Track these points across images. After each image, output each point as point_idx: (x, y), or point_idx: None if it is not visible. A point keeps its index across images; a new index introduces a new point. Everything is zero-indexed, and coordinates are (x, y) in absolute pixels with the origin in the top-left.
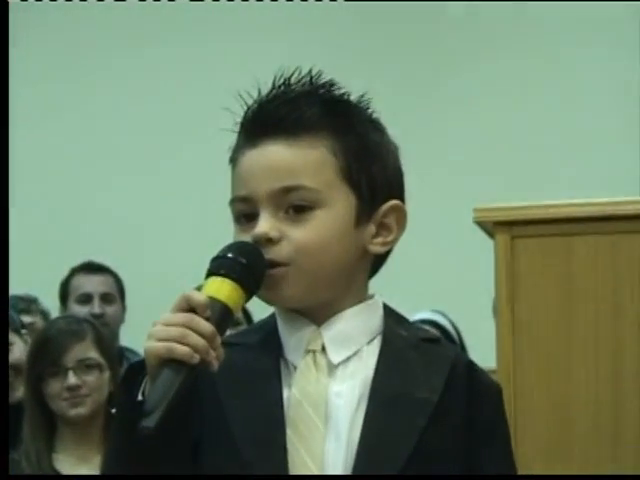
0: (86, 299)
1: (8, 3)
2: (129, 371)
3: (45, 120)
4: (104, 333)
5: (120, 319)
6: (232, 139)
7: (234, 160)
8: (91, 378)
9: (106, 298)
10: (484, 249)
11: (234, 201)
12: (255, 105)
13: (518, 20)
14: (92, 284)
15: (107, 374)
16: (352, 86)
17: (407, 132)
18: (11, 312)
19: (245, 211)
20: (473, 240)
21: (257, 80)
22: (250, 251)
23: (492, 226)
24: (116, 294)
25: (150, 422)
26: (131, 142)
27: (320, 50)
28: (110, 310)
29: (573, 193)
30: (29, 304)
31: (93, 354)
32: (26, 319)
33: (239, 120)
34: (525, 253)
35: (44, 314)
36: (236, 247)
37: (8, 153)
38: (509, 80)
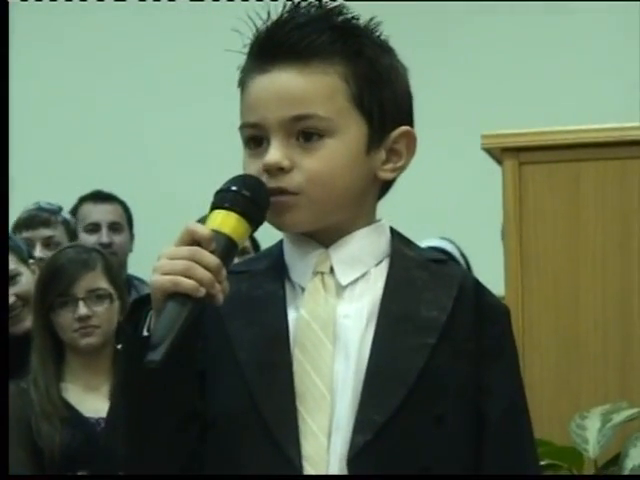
0: (94, 228)
1: (8, 3)
2: (134, 305)
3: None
4: (113, 263)
5: (128, 248)
6: (240, 60)
7: (243, 84)
8: (101, 308)
9: (114, 227)
10: (492, 175)
11: (244, 127)
12: (265, 29)
13: None
14: (100, 213)
15: (117, 304)
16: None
17: (414, 58)
18: (18, 241)
19: (255, 136)
20: (481, 166)
21: (267, 2)
22: (254, 184)
23: (500, 152)
24: (124, 223)
25: (156, 356)
26: (139, 73)
27: None
28: (118, 239)
29: (581, 119)
30: (49, 215)
31: (103, 284)
32: (44, 232)
33: (248, 42)
34: (533, 179)
35: (67, 224)
36: (240, 180)
37: (8, 149)
38: (519, 5)
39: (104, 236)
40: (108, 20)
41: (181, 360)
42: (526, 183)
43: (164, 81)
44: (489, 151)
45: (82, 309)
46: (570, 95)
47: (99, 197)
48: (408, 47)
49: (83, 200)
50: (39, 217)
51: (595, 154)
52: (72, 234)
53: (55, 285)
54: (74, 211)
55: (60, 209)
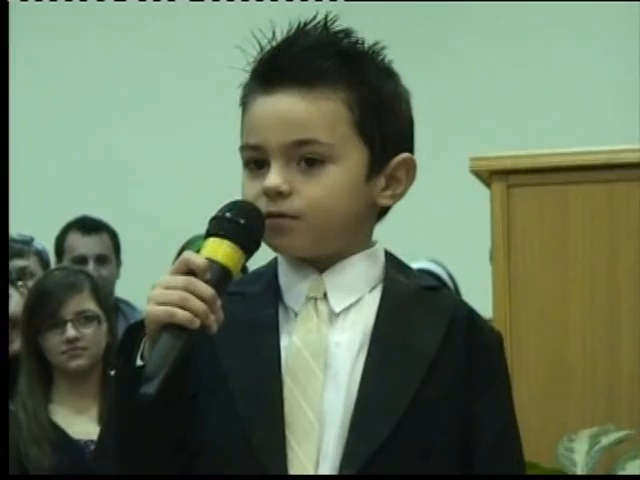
0: (81, 261)
1: (8, 3)
2: (128, 333)
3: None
4: (100, 285)
5: (115, 277)
6: (240, 79)
7: (245, 104)
8: (89, 330)
9: (101, 259)
10: (480, 198)
11: (244, 148)
12: (270, 51)
13: None
14: (87, 246)
15: (105, 326)
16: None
17: (403, 80)
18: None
19: (256, 158)
20: (469, 189)
21: (271, 22)
22: (249, 211)
23: (488, 175)
24: (111, 253)
25: (150, 389)
26: (130, 94)
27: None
28: (105, 271)
29: (569, 142)
30: (22, 246)
31: (91, 306)
32: (18, 263)
33: (251, 60)
34: (521, 202)
35: (40, 254)
36: (235, 207)
37: (8, 149)
38: (507, 27)
39: (91, 269)
40: (96, 47)
41: (173, 389)
42: (514, 205)
43: (150, 101)
44: (477, 173)
45: (70, 331)
46: (559, 118)
47: (86, 227)
48: (396, 65)
49: (70, 228)
50: (12, 248)
51: (584, 177)
52: (45, 264)
53: (43, 308)
54: (60, 238)
55: (32, 239)
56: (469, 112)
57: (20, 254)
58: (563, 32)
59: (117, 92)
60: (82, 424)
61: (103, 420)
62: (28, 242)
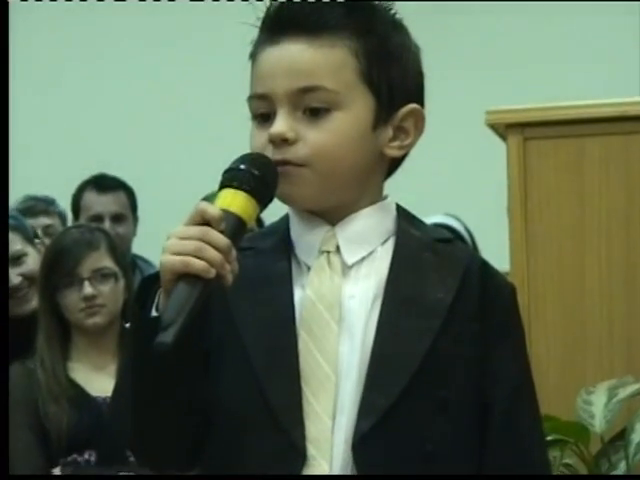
0: (97, 219)
1: (8, 3)
2: (143, 285)
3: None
4: (117, 242)
5: (132, 235)
6: (253, 34)
7: (254, 56)
8: (106, 287)
9: (117, 218)
10: (497, 151)
11: (252, 98)
12: (278, 2)
13: None
14: (103, 204)
15: (122, 283)
16: None
17: (418, 36)
18: (24, 221)
19: (262, 109)
20: (486, 142)
21: None
22: (263, 163)
23: (504, 128)
24: (127, 211)
25: (167, 337)
26: (142, 63)
27: None
28: (121, 229)
29: (585, 94)
30: (47, 205)
31: (108, 263)
32: (44, 221)
33: (261, 15)
34: (537, 154)
35: (61, 216)
36: (248, 159)
37: (8, 150)
38: None
39: (107, 228)
40: (108, 18)
41: (189, 341)
42: (531, 159)
43: (166, 68)
44: (493, 127)
45: (87, 289)
46: (574, 71)
47: (102, 186)
48: (411, 27)
49: (85, 187)
50: (39, 206)
51: (599, 129)
52: (65, 224)
53: (60, 266)
54: (77, 197)
55: (54, 200)
56: (484, 65)
57: (46, 212)
58: None
59: (138, 63)
60: (100, 381)
61: (118, 372)
62: (52, 202)
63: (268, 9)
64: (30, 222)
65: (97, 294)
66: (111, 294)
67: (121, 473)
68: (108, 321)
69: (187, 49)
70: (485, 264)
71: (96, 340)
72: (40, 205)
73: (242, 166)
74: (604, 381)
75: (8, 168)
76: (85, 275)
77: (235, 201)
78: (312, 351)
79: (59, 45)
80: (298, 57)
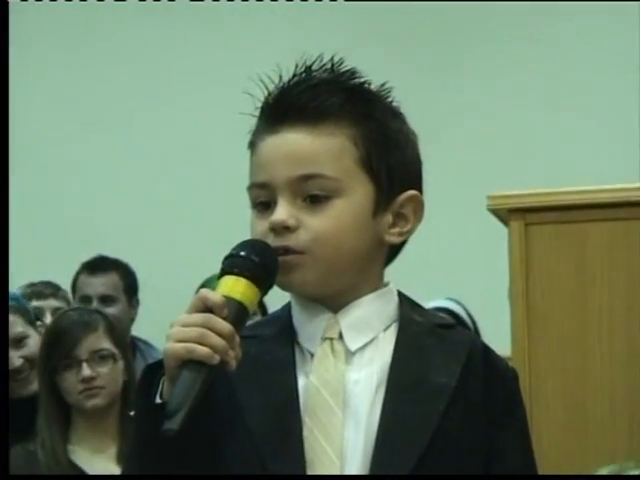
0: (86, 301)
1: (8, 3)
2: (146, 373)
3: (46, 115)
4: (116, 323)
5: (126, 317)
6: (252, 123)
7: (253, 145)
8: (105, 369)
9: (105, 299)
10: (499, 236)
11: (252, 187)
12: (276, 91)
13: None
14: (91, 286)
15: (121, 364)
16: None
17: (419, 119)
18: (25, 304)
19: (263, 198)
20: (487, 227)
21: (278, 66)
22: (262, 249)
23: (506, 213)
24: (118, 294)
25: (173, 424)
26: (146, 135)
27: (328, 33)
28: (110, 310)
29: (588, 180)
30: (56, 289)
31: (106, 344)
32: (54, 303)
33: (259, 105)
34: (539, 240)
35: (67, 300)
36: (248, 245)
37: (8, 151)
38: (522, 64)
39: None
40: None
41: (195, 427)
42: (532, 244)
43: (171, 141)
44: (495, 212)
45: (86, 370)
46: (577, 156)
47: (94, 268)
48: (414, 107)
49: (82, 269)
50: (48, 289)
51: (601, 215)
52: None
53: (58, 348)
54: (74, 279)
55: (60, 286)
56: (487, 150)
57: (55, 295)
58: (582, 66)
59: (135, 117)
60: (101, 464)
61: (124, 461)
62: (59, 287)
63: (267, 98)
64: (40, 304)
65: (96, 375)
66: (110, 375)
67: None
68: (107, 403)
69: (192, 134)
70: (487, 349)
71: (96, 422)
72: (49, 289)
73: (242, 252)
74: (605, 465)
75: (8, 186)
76: (83, 357)
77: (236, 287)
78: (317, 437)
79: None
80: (298, 145)
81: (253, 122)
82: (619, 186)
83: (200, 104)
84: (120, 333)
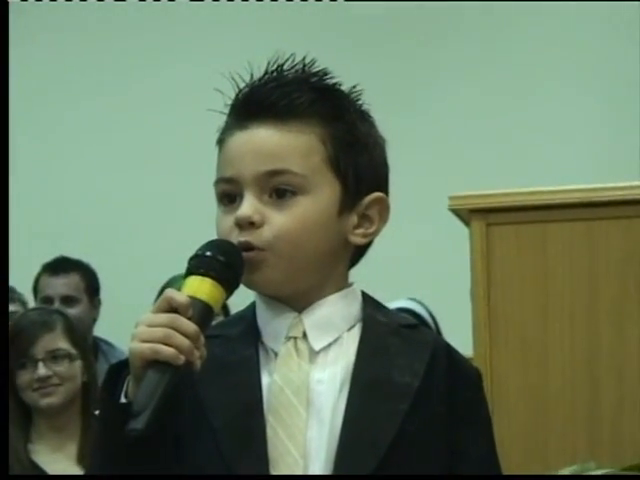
0: (47, 301)
1: (8, 3)
2: (111, 372)
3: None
4: (75, 323)
5: (88, 317)
6: (221, 121)
7: (222, 141)
8: (61, 368)
9: (66, 300)
10: (460, 237)
11: (219, 182)
12: (247, 88)
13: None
14: (53, 287)
15: (79, 364)
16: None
17: (381, 120)
18: None
19: (229, 192)
20: (449, 228)
21: (250, 64)
22: (228, 249)
23: (467, 214)
24: (80, 294)
25: (138, 424)
26: (114, 134)
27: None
28: (72, 311)
29: (547, 180)
30: (11, 293)
31: (63, 344)
32: (10, 307)
33: (229, 102)
34: (501, 240)
35: (23, 303)
36: (214, 245)
37: (8, 150)
38: (485, 65)
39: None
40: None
41: (159, 427)
42: (494, 244)
43: (134, 141)
44: (456, 212)
45: (41, 369)
46: (537, 156)
47: (55, 269)
48: (375, 109)
49: (43, 270)
50: None
51: (562, 215)
52: None
53: (15, 347)
54: (35, 280)
55: (14, 288)
56: (447, 151)
57: (11, 299)
58: (541, 69)
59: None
60: (61, 463)
61: (88, 460)
62: (14, 290)
63: (237, 95)
64: None
65: (51, 374)
66: (66, 374)
67: None
68: (63, 401)
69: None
70: (451, 349)
71: (54, 421)
72: None
73: (208, 253)
74: (566, 466)
75: (8, 185)
76: (39, 356)
77: (202, 288)
78: (280, 436)
79: None
80: (266, 141)
81: (221, 120)
82: (580, 187)
83: (162, 104)
84: (80, 333)
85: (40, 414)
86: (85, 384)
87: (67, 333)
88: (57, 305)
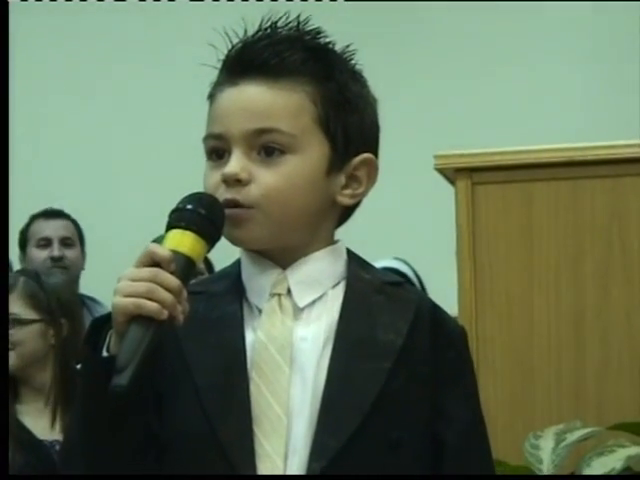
0: (46, 243)
1: (8, 3)
2: (93, 326)
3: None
4: (37, 288)
5: (80, 264)
6: (213, 76)
7: (212, 97)
8: (16, 332)
9: (66, 242)
10: (445, 195)
11: (208, 138)
12: (239, 44)
13: None
14: (51, 228)
15: (34, 327)
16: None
17: (368, 78)
18: None
19: (217, 148)
20: (434, 187)
21: (244, 20)
22: (209, 202)
23: (453, 173)
24: (76, 239)
25: (122, 380)
26: (95, 91)
27: None
28: (70, 253)
29: (532, 139)
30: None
31: (16, 309)
32: None
33: (222, 57)
34: (486, 199)
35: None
36: (195, 198)
37: (8, 149)
38: (472, 24)
39: (55, 250)
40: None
41: (142, 382)
42: (479, 203)
43: (124, 99)
44: (442, 171)
45: None
46: (523, 115)
47: (50, 214)
48: (362, 67)
49: (34, 217)
50: None
51: (548, 174)
52: None
53: None
54: (25, 229)
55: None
56: (434, 110)
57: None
58: (527, 29)
59: (98, 89)
60: (46, 423)
61: (70, 415)
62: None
63: (229, 51)
64: None
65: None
66: (16, 340)
67: None
68: (22, 364)
69: (143, 76)
70: (435, 307)
71: (30, 383)
72: None
73: (189, 206)
74: (552, 425)
75: (8, 182)
76: None
77: (184, 241)
78: (263, 393)
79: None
80: (256, 99)
81: (214, 75)
82: (565, 145)
83: (151, 57)
84: (42, 296)
85: (15, 377)
86: (55, 347)
87: (25, 299)
88: (56, 245)
